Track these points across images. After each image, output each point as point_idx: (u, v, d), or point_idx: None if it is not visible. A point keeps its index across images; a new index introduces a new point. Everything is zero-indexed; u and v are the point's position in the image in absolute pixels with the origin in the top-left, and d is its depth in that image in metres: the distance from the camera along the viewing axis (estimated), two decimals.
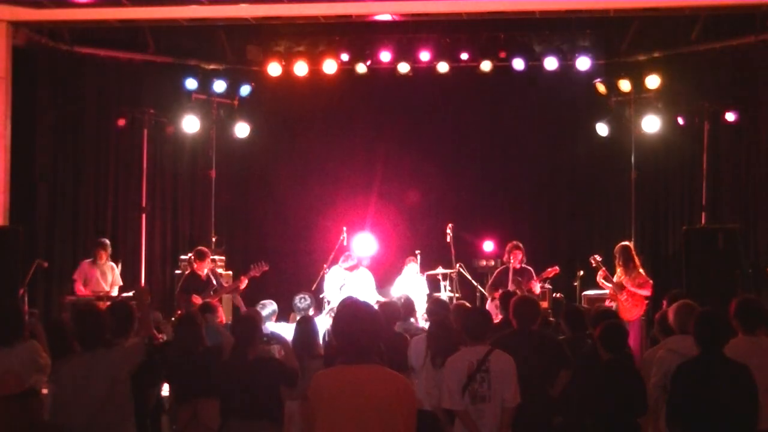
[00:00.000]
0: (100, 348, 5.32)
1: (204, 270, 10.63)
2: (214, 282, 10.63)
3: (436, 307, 7.88)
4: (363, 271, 11.17)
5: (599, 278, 10.66)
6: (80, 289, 10.95)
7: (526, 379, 5.79)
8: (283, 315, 9.26)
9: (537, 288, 10.88)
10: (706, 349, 5.12)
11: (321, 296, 10.74)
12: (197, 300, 10.20)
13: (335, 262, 11.30)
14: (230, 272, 12.13)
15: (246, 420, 5.61)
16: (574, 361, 6.32)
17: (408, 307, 8.18)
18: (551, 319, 9.93)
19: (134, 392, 5.63)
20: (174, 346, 6.56)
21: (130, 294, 11.19)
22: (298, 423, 6.33)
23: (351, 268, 11.07)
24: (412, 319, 8.29)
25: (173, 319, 10.78)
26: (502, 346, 5.85)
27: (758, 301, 6.04)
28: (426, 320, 10.89)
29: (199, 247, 11.02)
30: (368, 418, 3.72)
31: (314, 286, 10.69)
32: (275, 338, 6.63)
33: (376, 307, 7.92)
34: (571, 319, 7.22)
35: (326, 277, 11.00)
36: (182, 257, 12.29)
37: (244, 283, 10.30)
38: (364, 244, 11.74)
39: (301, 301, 8.44)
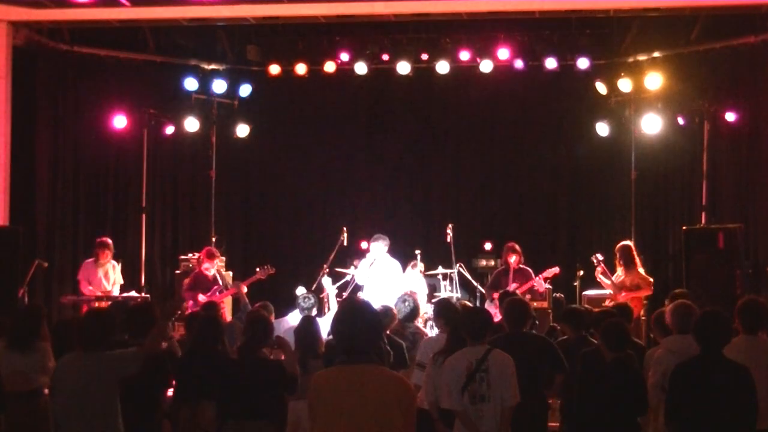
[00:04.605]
0: (101, 350, 5.27)
1: (212, 270, 10.64)
2: (220, 283, 10.63)
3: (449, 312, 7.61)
4: (391, 260, 10.94)
5: (598, 275, 10.65)
6: (87, 289, 10.93)
7: (520, 380, 5.78)
8: (281, 314, 9.24)
9: (542, 286, 10.82)
10: (706, 349, 5.12)
11: (321, 296, 10.71)
12: (202, 299, 10.20)
13: (335, 262, 11.27)
14: (230, 272, 12.12)
15: (245, 420, 5.61)
16: (569, 364, 6.32)
17: (411, 311, 8.00)
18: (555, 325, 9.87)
19: (145, 395, 5.66)
20: (191, 345, 6.53)
21: (131, 294, 11.20)
22: (304, 425, 6.31)
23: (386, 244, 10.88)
24: (415, 322, 8.17)
25: (173, 319, 10.82)
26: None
27: (763, 303, 6.04)
28: (426, 320, 10.89)
29: (209, 247, 11.01)
30: (367, 418, 3.73)
31: (314, 285, 10.67)
32: (280, 345, 6.62)
33: (394, 300, 7.87)
34: (571, 320, 7.21)
35: (359, 267, 10.99)
36: (182, 257, 12.29)
37: (244, 288, 10.29)
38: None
39: (305, 300, 8.34)
